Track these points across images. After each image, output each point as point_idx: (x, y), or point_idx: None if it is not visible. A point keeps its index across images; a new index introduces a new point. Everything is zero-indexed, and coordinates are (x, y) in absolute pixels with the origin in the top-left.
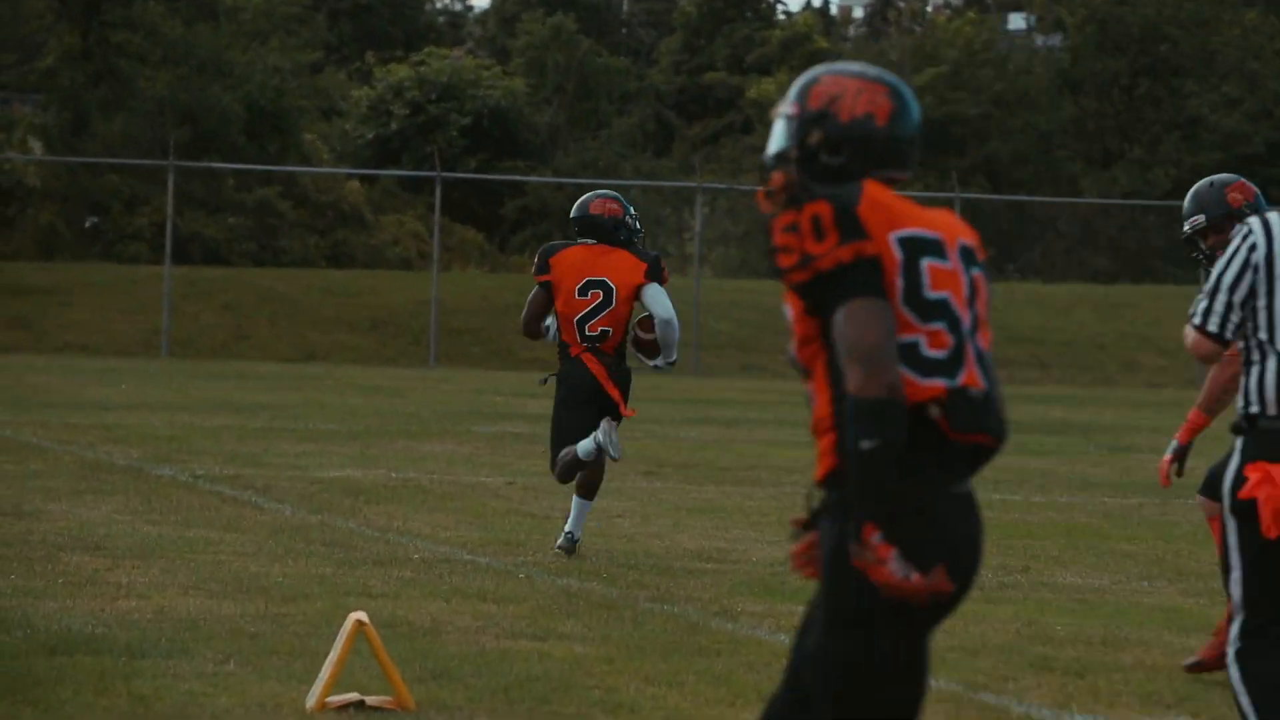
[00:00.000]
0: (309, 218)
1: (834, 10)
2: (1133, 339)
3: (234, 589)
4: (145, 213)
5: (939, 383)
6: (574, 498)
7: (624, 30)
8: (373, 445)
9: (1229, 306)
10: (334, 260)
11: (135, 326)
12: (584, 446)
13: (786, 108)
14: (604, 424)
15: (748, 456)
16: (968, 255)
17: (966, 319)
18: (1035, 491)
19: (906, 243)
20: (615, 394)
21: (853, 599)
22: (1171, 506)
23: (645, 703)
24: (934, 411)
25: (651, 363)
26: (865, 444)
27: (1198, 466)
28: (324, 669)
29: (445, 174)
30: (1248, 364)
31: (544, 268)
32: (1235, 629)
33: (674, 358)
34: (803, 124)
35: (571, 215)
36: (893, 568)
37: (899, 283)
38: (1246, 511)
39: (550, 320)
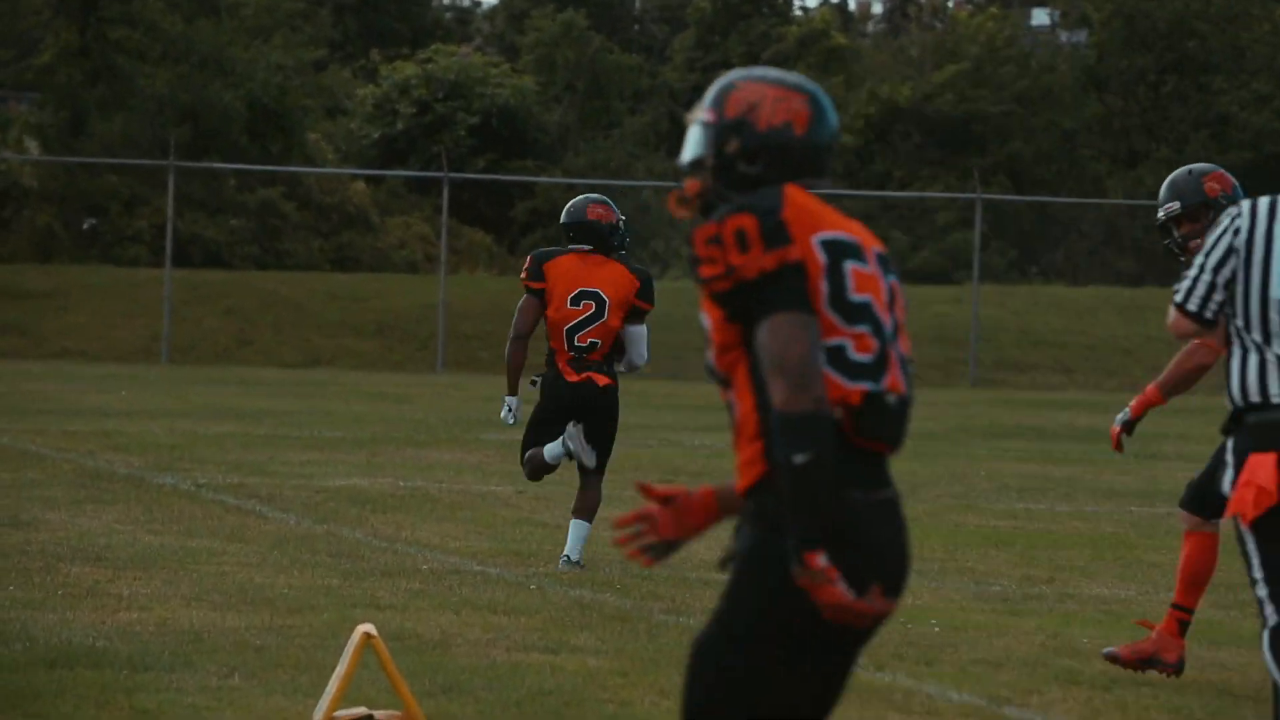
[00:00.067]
0: (313, 219)
1: (852, 6)
2: (1159, 343)
3: (238, 600)
4: (145, 214)
5: (864, 386)
6: (571, 520)
7: (636, 26)
8: (379, 453)
9: (1211, 286)
10: (339, 263)
11: (135, 331)
12: (551, 450)
13: (703, 114)
14: (570, 428)
15: None
16: (884, 261)
17: (888, 323)
18: (1060, 500)
19: (829, 245)
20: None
21: (754, 612)
22: None
23: (660, 716)
24: (836, 413)
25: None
26: (798, 459)
27: (1184, 472)
28: (331, 683)
29: (453, 174)
30: (1229, 359)
31: (538, 275)
32: (1272, 623)
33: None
34: (720, 132)
35: (564, 220)
36: (841, 588)
37: (823, 286)
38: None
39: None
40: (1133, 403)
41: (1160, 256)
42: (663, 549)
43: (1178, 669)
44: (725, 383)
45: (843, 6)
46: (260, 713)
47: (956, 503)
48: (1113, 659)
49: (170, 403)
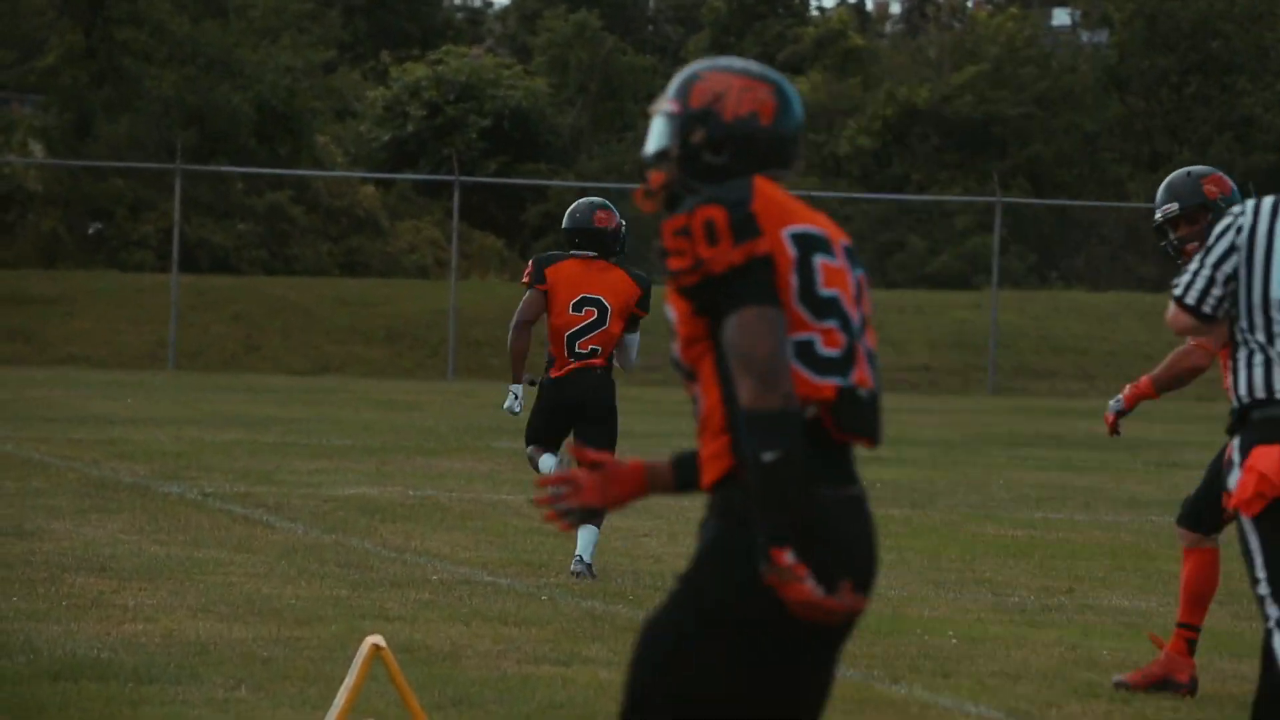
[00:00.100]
0: (322, 224)
1: (870, 6)
2: None
3: (245, 611)
4: (151, 218)
5: (833, 381)
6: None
7: (650, 27)
8: (389, 462)
9: (1210, 281)
10: (348, 268)
11: (141, 337)
12: (545, 464)
13: (667, 105)
14: (563, 454)
15: None
16: (851, 255)
17: (855, 318)
18: (1080, 510)
19: (799, 239)
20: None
21: (715, 604)
22: None
23: None
24: (811, 411)
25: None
26: (767, 456)
27: (1181, 484)
28: (339, 695)
29: (464, 178)
30: (1234, 359)
31: (540, 278)
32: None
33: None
34: (685, 122)
35: (568, 225)
36: (811, 585)
37: (793, 280)
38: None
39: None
40: (1126, 392)
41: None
42: (582, 515)
43: (1191, 689)
44: (690, 376)
45: (860, 7)
46: None
47: (974, 512)
48: (1125, 686)
49: (177, 410)
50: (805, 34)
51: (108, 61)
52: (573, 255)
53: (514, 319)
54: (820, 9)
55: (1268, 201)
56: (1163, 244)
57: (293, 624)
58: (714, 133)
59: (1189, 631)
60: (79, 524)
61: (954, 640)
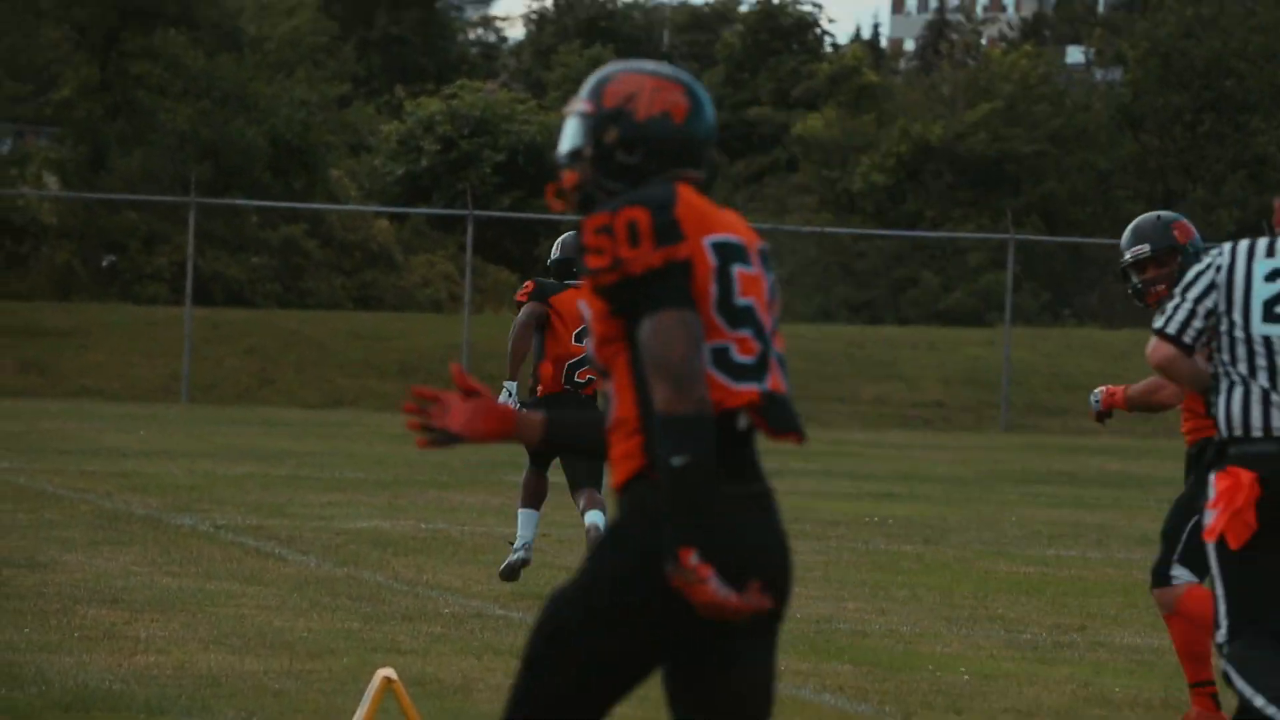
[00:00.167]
0: (336, 257)
1: (884, 43)
2: None
3: (257, 644)
4: (165, 251)
5: (751, 387)
6: (584, 514)
7: (665, 63)
8: (401, 495)
9: (1191, 314)
10: (362, 302)
11: (154, 370)
12: (524, 518)
13: (580, 105)
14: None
15: (793, 508)
16: (765, 259)
17: (768, 324)
18: (1092, 547)
19: (720, 248)
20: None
21: (606, 596)
22: None
23: None
24: (743, 422)
25: None
26: (677, 460)
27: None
28: None
29: (478, 212)
30: (1216, 393)
31: (544, 299)
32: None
33: None
34: (598, 122)
35: (562, 256)
36: (714, 587)
37: (712, 289)
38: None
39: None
40: (1104, 394)
41: None
42: (442, 437)
43: None
44: (604, 374)
45: (874, 43)
46: None
47: (986, 549)
48: None
49: (190, 443)
50: (820, 70)
51: (122, 95)
52: (569, 285)
53: (518, 319)
54: (835, 46)
55: (1244, 244)
56: (1129, 286)
57: (305, 657)
58: (627, 132)
59: (1205, 688)
60: (91, 556)
61: (966, 677)
